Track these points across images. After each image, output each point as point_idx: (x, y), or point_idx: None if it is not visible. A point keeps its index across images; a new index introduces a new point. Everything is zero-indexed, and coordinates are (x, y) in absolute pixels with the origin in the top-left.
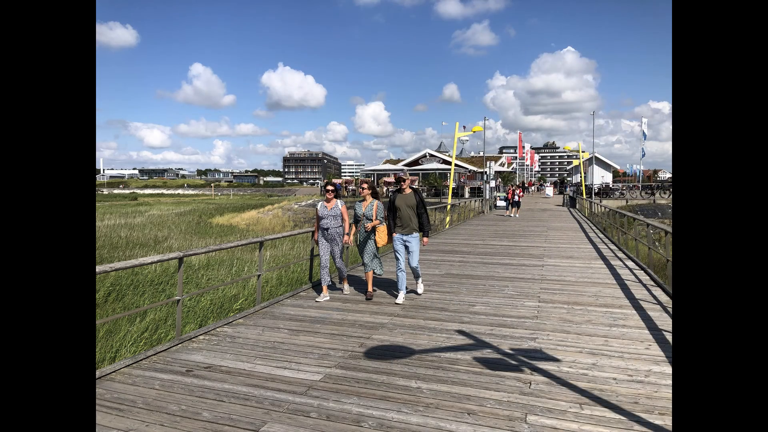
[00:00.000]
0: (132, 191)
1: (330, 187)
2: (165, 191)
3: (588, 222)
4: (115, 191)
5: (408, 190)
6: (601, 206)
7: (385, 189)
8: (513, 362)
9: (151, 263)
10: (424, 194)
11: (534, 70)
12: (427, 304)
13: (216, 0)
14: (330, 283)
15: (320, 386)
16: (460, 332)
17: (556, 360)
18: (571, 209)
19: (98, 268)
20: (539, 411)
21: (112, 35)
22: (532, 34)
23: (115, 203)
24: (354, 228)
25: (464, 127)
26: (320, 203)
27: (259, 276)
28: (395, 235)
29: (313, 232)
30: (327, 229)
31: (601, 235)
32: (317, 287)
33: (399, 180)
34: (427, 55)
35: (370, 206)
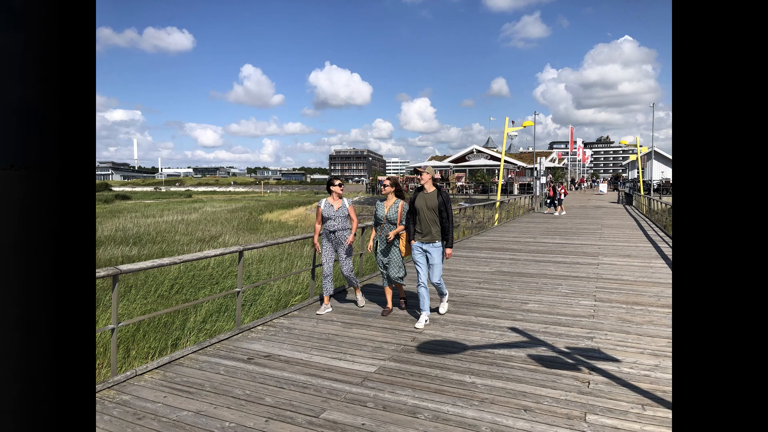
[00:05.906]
0: (187, 189)
1: (337, 182)
2: (217, 189)
3: (646, 219)
4: (172, 189)
5: (430, 188)
6: (661, 203)
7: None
8: (570, 361)
9: (215, 256)
10: (471, 191)
11: (588, 61)
12: (479, 301)
13: (264, 1)
14: (331, 293)
15: (375, 378)
16: (513, 329)
17: (616, 360)
18: (627, 206)
19: (168, 260)
20: (599, 411)
21: (170, 40)
22: (586, 23)
23: (172, 200)
24: (374, 232)
25: (513, 122)
26: (323, 202)
27: (312, 269)
28: (414, 243)
29: (316, 235)
30: (333, 232)
31: (662, 234)
32: (365, 285)
33: (416, 173)
34: (475, 50)
35: (394, 207)
